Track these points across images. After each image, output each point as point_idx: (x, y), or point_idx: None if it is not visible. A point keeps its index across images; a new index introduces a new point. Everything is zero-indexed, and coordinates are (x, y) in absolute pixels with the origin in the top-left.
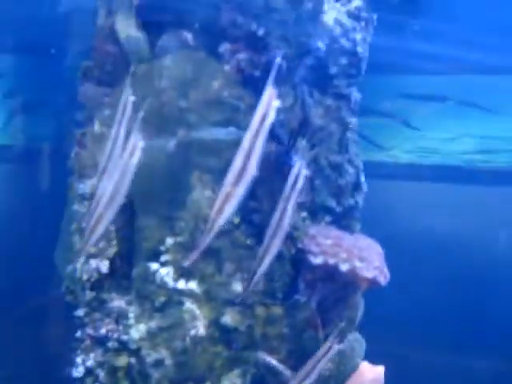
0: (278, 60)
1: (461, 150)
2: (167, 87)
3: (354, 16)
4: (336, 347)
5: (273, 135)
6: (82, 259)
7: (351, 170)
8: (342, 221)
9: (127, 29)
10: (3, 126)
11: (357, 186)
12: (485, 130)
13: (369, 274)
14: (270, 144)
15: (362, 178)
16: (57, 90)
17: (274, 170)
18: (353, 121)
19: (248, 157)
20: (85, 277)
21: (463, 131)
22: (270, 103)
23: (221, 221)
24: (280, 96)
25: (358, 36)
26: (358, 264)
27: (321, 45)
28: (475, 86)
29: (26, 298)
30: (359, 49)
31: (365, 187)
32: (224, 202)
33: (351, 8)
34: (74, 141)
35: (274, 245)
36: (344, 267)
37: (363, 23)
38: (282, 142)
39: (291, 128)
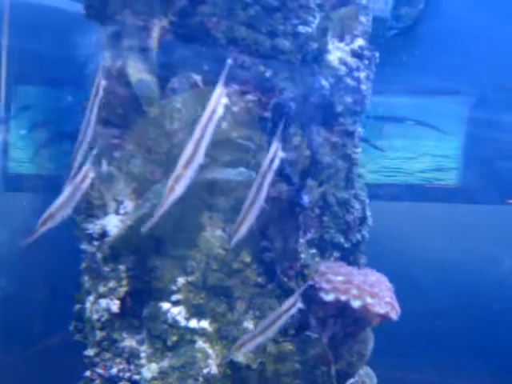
0: (229, 61)
1: (420, 168)
2: (178, 129)
3: (358, 55)
4: (300, 305)
5: (282, 175)
6: (91, 299)
7: (358, 205)
8: (350, 256)
9: (138, 73)
10: (31, 155)
11: (363, 221)
12: (439, 149)
13: (381, 309)
14: (281, 184)
15: (368, 213)
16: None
17: (286, 209)
18: (357, 158)
19: (198, 145)
20: (95, 316)
21: (422, 150)
22: (219, 101)
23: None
24: (289, 136)
25: (362, 74)
26: (369, 300)
27: (325, 84)
28: (431, 107)
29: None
30: (363, 86)
31: (370, 221)
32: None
33: (355, 47)
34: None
35: (251, 214)
36: (356, 304)
37: (366, 61)
38: (291, 181)
39: (301, 167)
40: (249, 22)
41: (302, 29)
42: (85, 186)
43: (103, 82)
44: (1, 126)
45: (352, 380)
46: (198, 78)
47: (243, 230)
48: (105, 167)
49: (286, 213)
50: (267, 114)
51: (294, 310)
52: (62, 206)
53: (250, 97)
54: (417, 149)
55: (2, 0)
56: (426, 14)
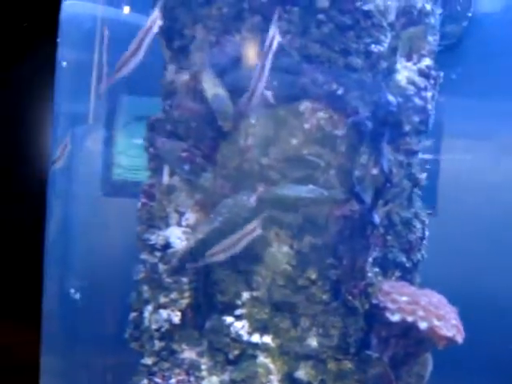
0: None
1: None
2: (251, 145)
3: (425, 74)
4: (259, 231)
5: (352, 193)
6: (149, 308)
7: (419, 224)
8: (409, 275)
9: (214, 88)
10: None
11: (423, 240)
12: None
13: (448, 332)
14: (353, 203)
15: (427, 233)
16: None
17: (357, 228)
18: (421, 177)
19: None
20: (154, 326)
21: None
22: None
23: None
24: (358, 154)
25: (429, 94)
26: (436, 322)
27: (393, 99)
28: None
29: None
30: (429, 106)
31: (427, 241)
32: None
33: (422, 66)
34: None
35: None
36: (423, 325)
37: (432, 81)
38: (361, 199)
39: (373, 186)
40: (322, 39)
41: (374, 48)
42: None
43: None
44: (89, 133)
45: None
46: (268, 93)
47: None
48: (166, 178)
49: (357, 231)
50: (338, 132)
51: (255, 234)
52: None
53: (321, 114)
54: None
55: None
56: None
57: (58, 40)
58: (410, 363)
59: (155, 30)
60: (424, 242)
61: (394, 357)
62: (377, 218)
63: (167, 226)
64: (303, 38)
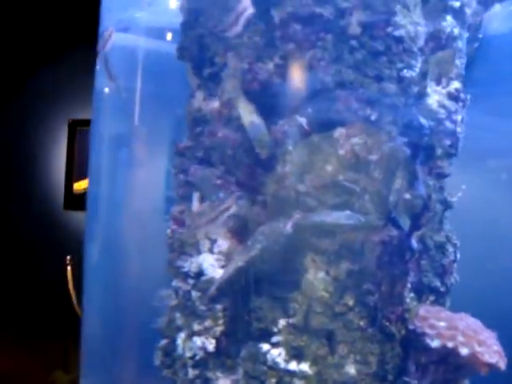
0: None
1: None
2: (288, 172)
3: (454, 97)
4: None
5: (388, 219)
6: (182, 336)
7: (451, 248)
8: (443, 299)
9: (250, 115)
10: None
11: (455, 263)
12: None
13: (490, 358)
14: (390, 228)
15: (458, 255)
16: None
17: (395, 254)
18: (451, 201)
19: None
20: (188, 354)
21: None
22: None
23: None
24: (396, 179)
25: (459, 117)
26: (477, 348)
27: (425, 122)
28: None
29: None
30: (459, 129)
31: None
32: None
33: (451, 90)
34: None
35: None
36: (464, 351)
37: (461, 104)
38: (398, 225)
39: (412, 212)
40: (356, 65)
41: (406, 73)
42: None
43: None
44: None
45: None
46: (303, 120)
47: None
48: (196, 205)
49: (396, 257)
50: (373, 157)
51: (231, 211)
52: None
53: (356, 140)
54: None
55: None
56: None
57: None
58: None
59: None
60: (455, 265)
61: None
62: (415, 243)
63: (199, 253)
64: (337, 64)
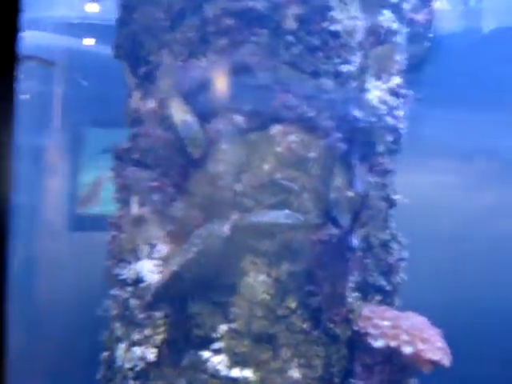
0: None
1: None
2: (223, 172)
3: (395, 93)
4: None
5: (330, 217)
6: (123, 346)
7: (396, 246)
8: (390, 298)
9: (182, 114)
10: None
11: (401, 262)
12: None
13: (434, 356)
14: (329, 227)
15: (406, 253)
16: None
17: (335, 253)
18: (395, 198)
19: None
20: (127, 365)
21: None
22: None
23: None
24: (335, 176)
25: (400, 113)
26: (421, 346)
27: (361, 117)
28: None
29: None
30: (401, 125)
31: (406, 263)
32: None
33: (392, 85)
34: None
35: None
36: (407, 350)
37: (402, 100)
38: (339, 224)
39: (350, 209)
40: (292, 61)
41: (343, 68)
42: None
43: None
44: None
45: None
46: (240, 118)
47: None
48: (135, 209)
49: (336, 256)
50: (311, 155)
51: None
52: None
53: (293, 137)
54: None
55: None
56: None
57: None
58: None
59: None
60: (402, 263)
61: None
62: (355, 242)
63: (137, 259)
64: (272, 60)
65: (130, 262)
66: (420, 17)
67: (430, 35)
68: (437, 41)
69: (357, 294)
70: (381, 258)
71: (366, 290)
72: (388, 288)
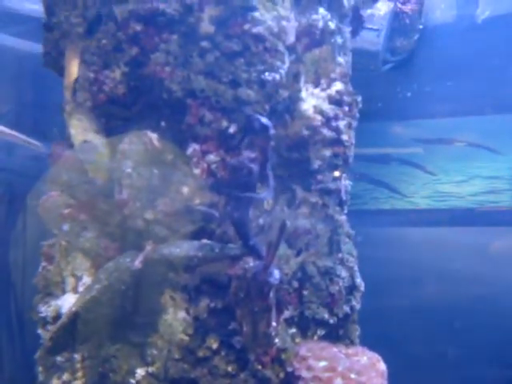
0: None
1: (472, 191)
2: (129, 198)
3: (336, 101)
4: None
5: (247, 247)
6: None
7: (344, 272)
8: (338, 331)
9: (83, 133)
10: None
11: (352, 290)
12: (491, 170)
13: None
14: (246, 259)
15: (358, 280)
16: None
17: (253, 288)
18: (342, 218)
19: None
20: None
21: (473, 173)
22: None
23: None
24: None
25: (342, 123)
26: None
27: (266, 121)
28: (481, 128)
29: None
30: (344, 137)
31: (362, 288)
32: None
33: (332, 93)
34: None
35: None
36: None
37: (347, 108)
38: (258, 254)
39: (270, 238)
40: (207, 70)
41: (268, 76)
42: None
43: None
44: None
45: None
46: (153, 136)
47: None
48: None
49: (254, 292)
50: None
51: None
52: None
53: (212, 157)
54: (468, 171)
55: None
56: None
57: None
58: None
59: None
60: (354, 291)
61: None
62: (276, 275)
63: (64, 292)
64: (185, 69)
65: (57, 297)
66: (407, 8)
67: (420, 26)
68: (427, 32)
69: (294, 330)
70: (321, 287)
71: (305, 326)
72: (332, 321)
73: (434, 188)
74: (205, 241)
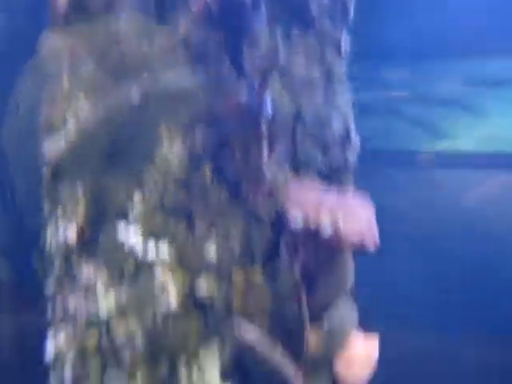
0: None
1: None
2: (129, 31)
3: None
4: None
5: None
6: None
7: (338, 121)
8: (331, 182)
9: None
10: None
11: (346, 142)
12: None
13: (354, 238)
14: (241, 91)
15: (353, 133)
16: None
17: (246, 119)
18: (341, 67)
19: None
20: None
21: None
22: None
23: None
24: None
25: None
26: (342, 226)
27: None
28: None
29: None
30: None
31: (356, 142)
32: None
33: None
34: None
35: None
36: (327, 231)
37: None
38: (252, 86)
39: (263, 65)
40: None
41: None
42: None
43: None
44: None
45: (328, 314)
46: None
47: None
48: None
49: (247, 123)
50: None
51: None
52: None
53: None
54: None
55: None
56: None
57: None
58: (325, 272)
59: None
60: (350, 143)
61: (307, 266)
62: (268, 107)
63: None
64: None
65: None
66: None
67: None
68: None
69: (286, 169)
70: (315, 134)
71: (297, 170)
72: (324, 169)
73: (481, 130)
74: (200, 74)
